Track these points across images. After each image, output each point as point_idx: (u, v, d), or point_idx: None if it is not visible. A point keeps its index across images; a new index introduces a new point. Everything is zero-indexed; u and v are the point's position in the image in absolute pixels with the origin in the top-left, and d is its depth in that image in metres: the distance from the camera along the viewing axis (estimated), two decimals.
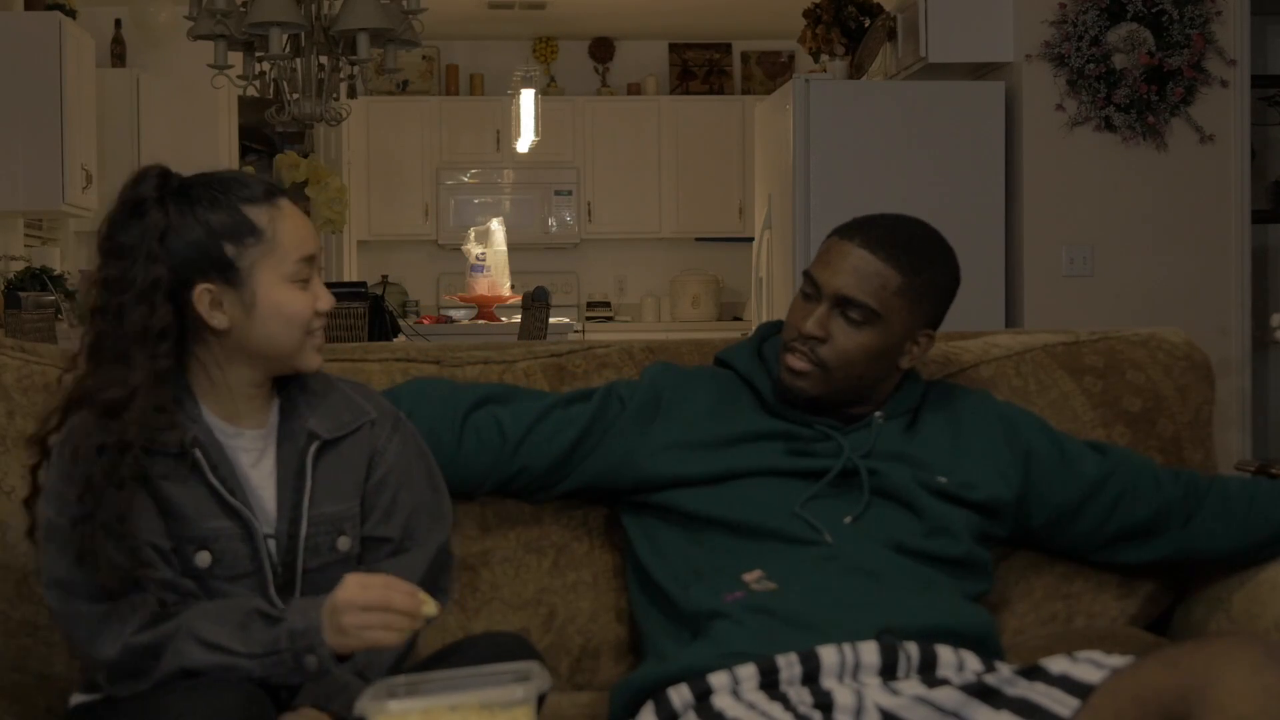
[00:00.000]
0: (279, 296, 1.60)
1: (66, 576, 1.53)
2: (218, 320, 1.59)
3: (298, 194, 6.26)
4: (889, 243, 1.88)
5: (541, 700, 1.38)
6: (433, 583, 1.67)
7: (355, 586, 1.49)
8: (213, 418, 1.63)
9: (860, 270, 1.86)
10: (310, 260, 1.63)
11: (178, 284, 1.57)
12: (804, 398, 1.91)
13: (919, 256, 1.89)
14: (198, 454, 1.58)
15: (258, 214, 1.60)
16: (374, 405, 1.73)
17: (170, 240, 1.57)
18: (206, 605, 1.54)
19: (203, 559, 1.58)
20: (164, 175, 1.61)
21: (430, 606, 1.49)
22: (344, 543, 1.66)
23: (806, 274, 1.92)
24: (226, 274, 1.58)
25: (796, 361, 1.89)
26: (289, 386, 1.69)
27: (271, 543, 1.62)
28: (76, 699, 1.64)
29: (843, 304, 1.87)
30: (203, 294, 1.58)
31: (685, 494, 1.88)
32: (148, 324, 1.55)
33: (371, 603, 1.48)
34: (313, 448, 1.65)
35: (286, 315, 1.60)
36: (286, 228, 1.61)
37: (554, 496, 2.00)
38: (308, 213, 8.23)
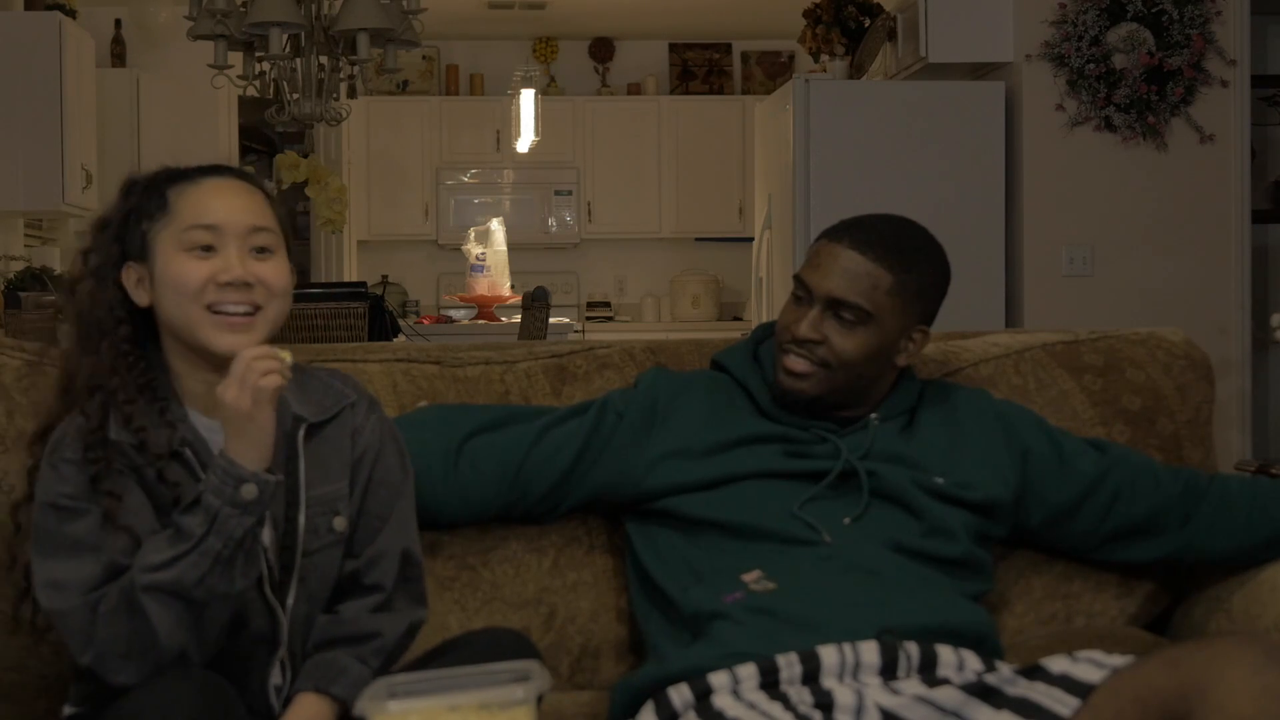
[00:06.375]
0: (171, 266, 1.59)
1: (59, 577, 1.52)
2: (139, 297, 1.61)
3: (298, 194, 6.26)
4: (878, 243, 1.88)
5: (540, 699, 1.38)
6: (407, 589, 1.68)
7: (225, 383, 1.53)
8: (199, 416, 1.62)
9: (851, 271, 1.86)
10: (211, 230, 1.59)
11: (119, 266, 1.61)
12: (804, 399, 1.91)
13: (908, 254, 1.89)
14: (188, 453, 1.58)
15: (173, 191, 1.62)
16: (351, 388, 1.73)
17: (119, 225, 1.62)
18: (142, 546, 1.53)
19: None
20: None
21: (285, 351, 1.54)
22: (339, 523, 1.65)
23: (797, 278, 1.92)
24: (141, 250, 1.61)
25: (796, 363, 1.89)
26: None
27: (267, 532, 1.60)
28: (67, 711, 1.64)
29: (835, 306, 1.87)
30: (129, 272, 1.61)
31: (684, 500, 1.88)
32: (96, 301, 1.59)
33: (236, 371, 1.50)
34: (301, 430, 1.65)
35: (175, 284, 1.59)
36: (192, 198, 1.61)
37: (558, 516, 2.00)
38: (306, 212, 8.10)
